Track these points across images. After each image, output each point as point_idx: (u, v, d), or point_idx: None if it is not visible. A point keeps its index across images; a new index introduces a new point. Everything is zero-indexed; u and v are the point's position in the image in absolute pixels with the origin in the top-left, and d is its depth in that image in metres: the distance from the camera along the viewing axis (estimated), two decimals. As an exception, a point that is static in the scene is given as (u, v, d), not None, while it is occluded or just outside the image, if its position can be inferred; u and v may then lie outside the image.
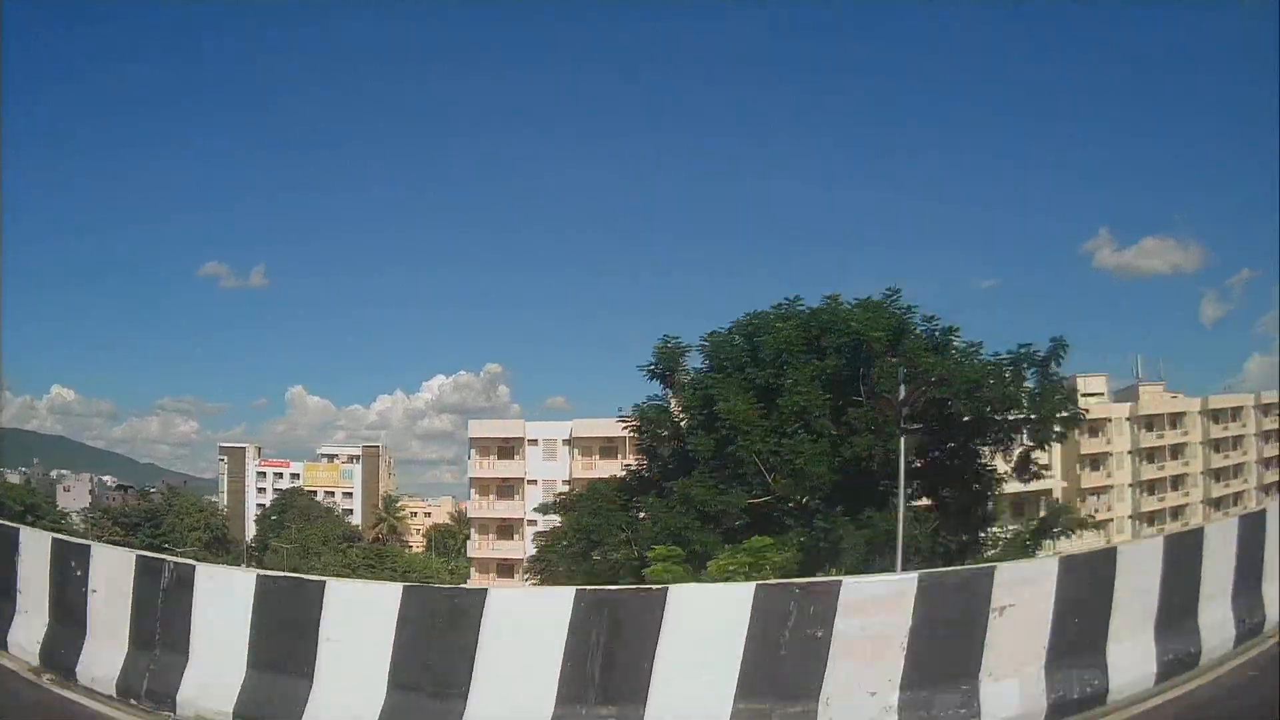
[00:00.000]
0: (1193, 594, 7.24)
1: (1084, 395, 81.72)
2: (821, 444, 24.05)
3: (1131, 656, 6.73)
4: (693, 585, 7.40)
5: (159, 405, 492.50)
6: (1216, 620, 7.35)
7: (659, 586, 6.27)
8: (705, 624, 5.93)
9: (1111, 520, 77.59)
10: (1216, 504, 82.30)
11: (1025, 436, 27.11)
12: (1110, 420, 78.32)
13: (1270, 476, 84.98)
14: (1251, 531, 7.88)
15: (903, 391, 21.13)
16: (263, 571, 6.87)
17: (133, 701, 6.79)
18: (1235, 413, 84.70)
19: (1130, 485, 78.81)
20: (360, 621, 6.18)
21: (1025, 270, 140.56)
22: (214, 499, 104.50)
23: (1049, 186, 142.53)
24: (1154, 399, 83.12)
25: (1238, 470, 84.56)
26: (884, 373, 25.02)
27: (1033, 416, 26.12)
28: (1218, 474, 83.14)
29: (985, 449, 27.58)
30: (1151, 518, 79.04)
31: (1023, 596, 6.28)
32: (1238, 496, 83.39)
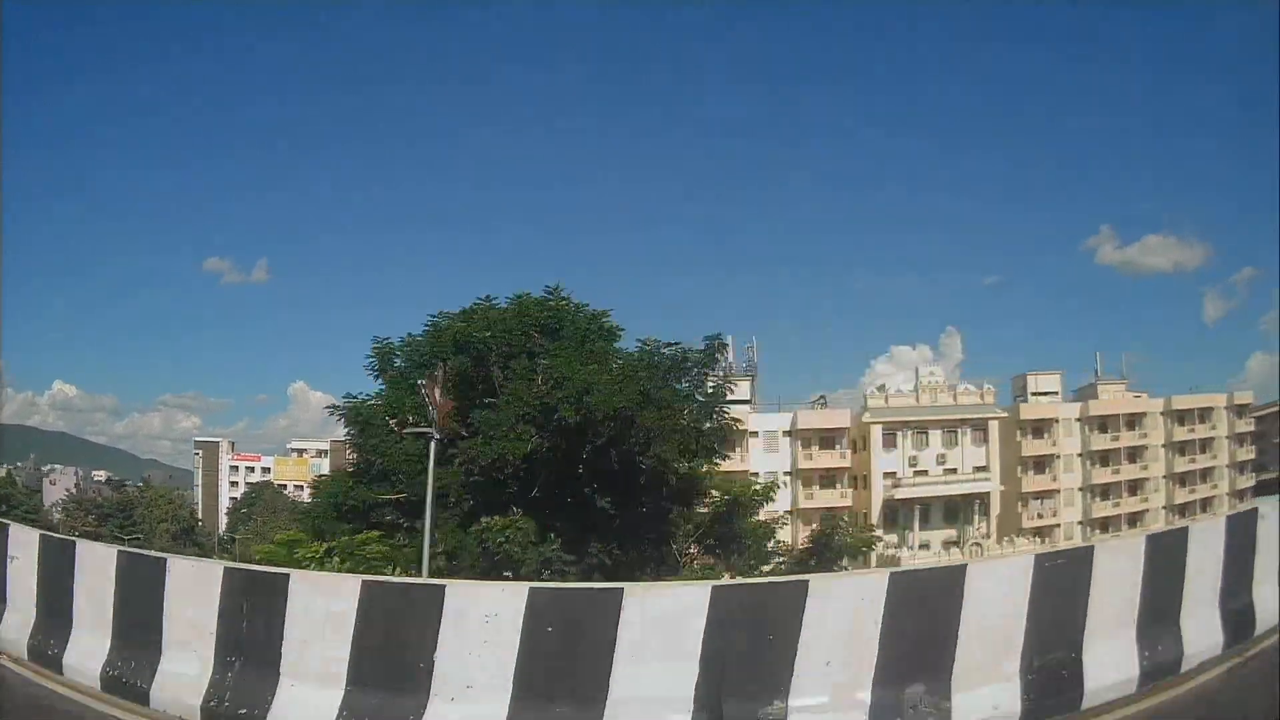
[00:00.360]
0: (1076, 628, 6.09)
1: (1034, 394, 78.12)
2: (415, 444, 22.88)
3: (984, 702, 5.72)
4: None
5: (161, 401, 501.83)
6: (1110, 659, 6.22)
7: None
8: None
9: (1059, 526, 73.73)
10: (1182, 510, 77.46)
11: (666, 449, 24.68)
12: (1057, 421, 74.33)
13: (1245, 481, 79.76)
14: (1166, 554, 6.61)
15: (437, 393, 19.89)
16: (122, 548, 7.72)
17: (33, 661, 7.51)
18: (1205, 414, 79.48)
19: (1080, 489, 74.63)
20: (193, 595, 6.60)
21: (1028, 268, 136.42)
22: (185, 491, 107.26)
23: (1051, 184, 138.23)
24: (1114, 399, 78.54)
25: (1206, 475, 79.37)
26: (516, 374, 23.81)
27: (655, 426, 23.81)
28: (1183, 479, 78.17)
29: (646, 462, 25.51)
30: (1105, 524, 74.76)
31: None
32: (1206, 502, 78.30)
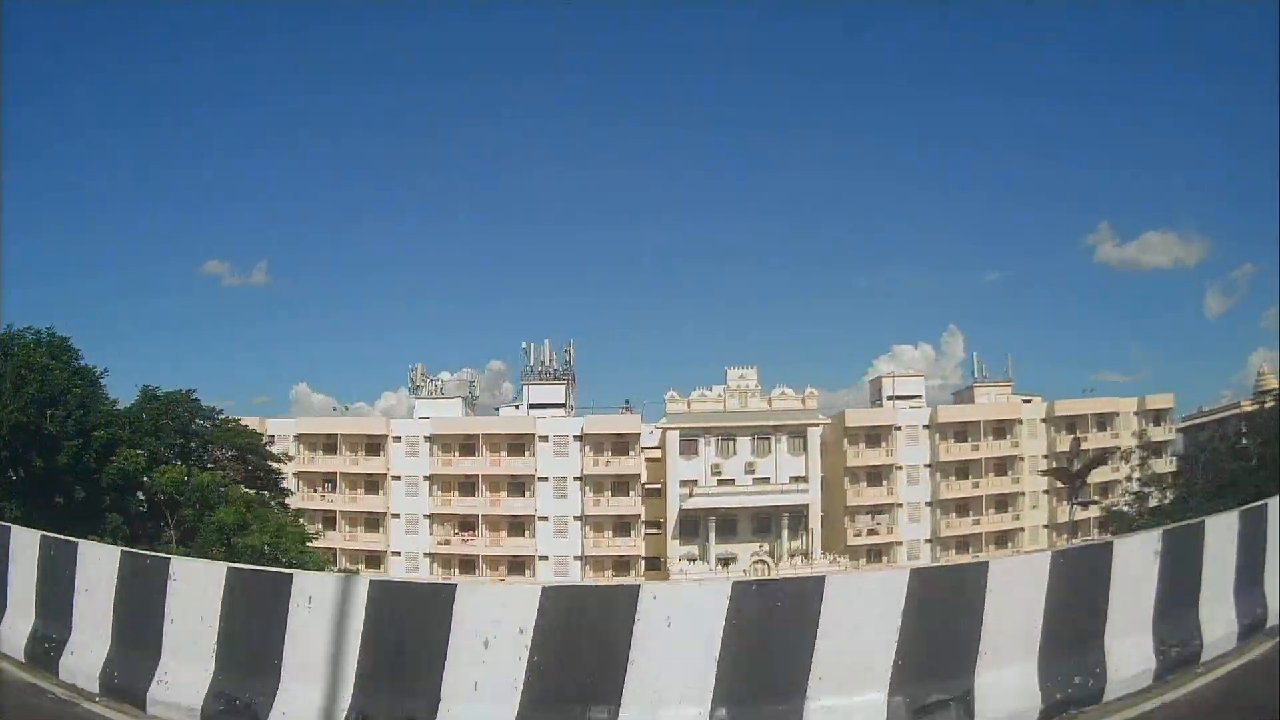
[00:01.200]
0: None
1: (889, 398, 72.51)
2: None
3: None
4: None
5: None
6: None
7: None
8: None
9: (899, 544, 68.02)
10: (1074, 529, 67.90)
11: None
12: (896, 428, 68.31)
13: (1158, 497, 68.03)
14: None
15: None
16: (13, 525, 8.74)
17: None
18: (1105, 420, 68.78)
19: (928, 504, 68.03)
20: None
21: (1028, 265, 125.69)
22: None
23: (1050, 180, 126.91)
24: (992, 404, 70.36)
25: (1107, 489, 68.55)
26: None
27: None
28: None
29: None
30: (965, 542, 67.74)
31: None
32: (1105, 521, 67.94)
